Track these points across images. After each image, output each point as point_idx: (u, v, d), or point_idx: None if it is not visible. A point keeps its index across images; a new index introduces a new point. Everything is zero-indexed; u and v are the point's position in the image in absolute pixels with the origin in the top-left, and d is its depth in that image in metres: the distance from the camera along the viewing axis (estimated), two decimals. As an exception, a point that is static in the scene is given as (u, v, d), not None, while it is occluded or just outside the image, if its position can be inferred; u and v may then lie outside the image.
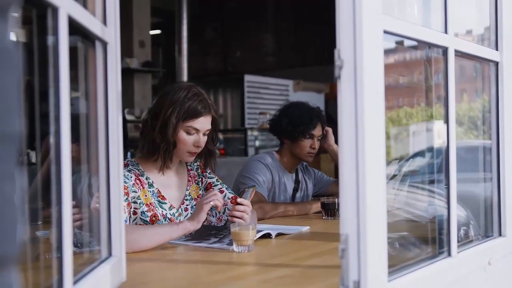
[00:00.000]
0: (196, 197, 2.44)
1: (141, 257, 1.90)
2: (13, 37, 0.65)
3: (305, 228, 2.43)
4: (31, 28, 1.07)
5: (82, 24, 1.18)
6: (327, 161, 6.87)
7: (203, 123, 2.28)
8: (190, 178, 2.46)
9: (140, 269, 1.74)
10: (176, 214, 2.34)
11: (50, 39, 1.04)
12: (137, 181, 2.24)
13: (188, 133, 2.26)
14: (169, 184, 2.36)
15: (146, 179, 2.30)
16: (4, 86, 0.61)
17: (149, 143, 2.27)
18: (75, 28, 1.14)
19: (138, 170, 2.29)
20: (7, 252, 0.62)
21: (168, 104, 2.24)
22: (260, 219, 2.75)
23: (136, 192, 2.21)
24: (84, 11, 1.20)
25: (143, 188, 2.26)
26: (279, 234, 2.26)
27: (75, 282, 1.11)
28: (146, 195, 2.26)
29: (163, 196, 2.31)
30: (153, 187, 2.30)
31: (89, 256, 1.45)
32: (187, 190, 2.42)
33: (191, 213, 2.36)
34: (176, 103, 2.23)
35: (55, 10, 1.02)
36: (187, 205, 2.40)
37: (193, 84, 2.36)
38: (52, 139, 1.04)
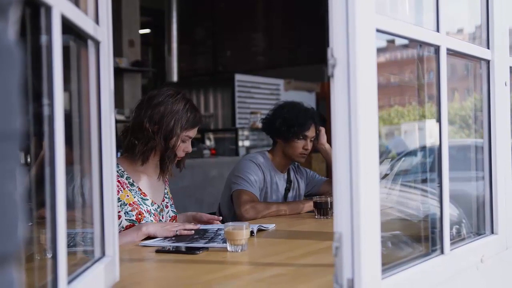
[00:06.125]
0: (170, 197, 2.58)
1: (134, 257, 1.90)
2: (13, 36, 0.65)
3: (271, 226, 2.45)
4: (23, 26, 1.06)
5: (75, 23, 1.18)
6: (318, 160, 6.89)
7: (196, 131, 2.45)
8: (166, 179, 2.57)
9: (133, 269, 1.74)
10: (158, 210, 2.44)
11: (43, 38, 1.03)
12: (117, 183, 2.27)
13: (183, 141, 2.40)
14: (149, 183, 2.45)
15: (126, 179, 2.37)
16: (5, 85, 0.61)
17: (149, 150, 2.35)
18: (67, 27, 1.13)
19: (118, 171, 2.33)
20: (8, 250, 0.62)
21: (169, 114, 2.33)
22: (253, 219, 2.76)
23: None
24: (77, 10, 1.19)
25: (124, 189, 2.33)
26: (259, 230, 2.32)
27: (69, 282, 1.11)
28: (128, 195, 2.33)
29: (144, 193, 2.40)
30: (134, 186, 2.38)
31: (82, 256, 1.45)
32: (165, 189, 2.55)
33: (171, 210, 2.52)
34: (177, 115, 2.34)
35: (48, 9, 1.01)
36: (166, 202, 2.52)
37: (184, 93, 2.47)
38: (45, 140, 1.04)
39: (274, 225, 2.47)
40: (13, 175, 0.63)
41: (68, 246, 1.14)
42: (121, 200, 2.29)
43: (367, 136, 1.22)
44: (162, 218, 2.44)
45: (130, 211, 2.30)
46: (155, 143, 2.34)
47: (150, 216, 2.35)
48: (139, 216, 2.31)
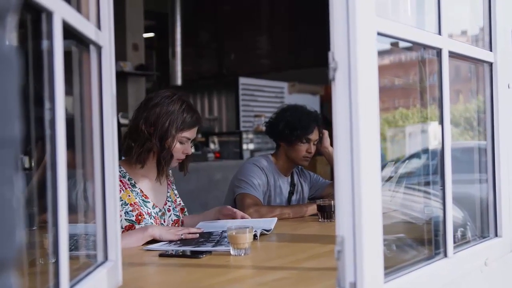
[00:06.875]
0: (173, 200, 2.56)
1: (137, 261, 1.90)
2: (11, 42, 0.65)
3: (274, 221, 2.49)
4: (25, 32, 1.07)
5: (76, 28, 1.18)
6: (322, 163, 6.87)
7: (195, 132, 2.43)
8: (169, 182, 2.57)
9: (136, 274, 1.74)
10: (160, 214, 2.43)
11: (44, 44, 1.04)
12: (119, 182, 2.28)
13: (181, 142, 2.39)
14: (151, 187, 2.45)
15: (129, 180, 2.38)
16: (3, 91, 0.61)
17: (145, 151, 2.35)
18: (69, 32, 1.14)
19: (120, 172, 2.33)
20: (6, 256, 0.62)
21: (164, 115, 2.33)
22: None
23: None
24: (78, 15, 1.20)
25: (126, 189, 2.34)
26: (262, 234, 2.31)
27: (71, 287, 1.11)
28: (129, 195, 2.34)
29: (146, 195, 2.40)
30: (136, 187, 2.38)
31: (84, 260, 1.45)
32: (168, 192, 2.54)
33: (174, 214, 2.51)
34: (173, 115, 2.34)
35: (49, 14, 1.02)
36: (169, 206, 2.51)
37: (181, 94, 2.45)
38: (47, 144, 1.04)
39: (275, 219, 2.52)
40: (11, 181, 0.63)
41: (70, 249, 1.15)
42: (122, 200, 2.29)
43: (368, 139, 1.22)
44: (164, 221, 2.44)
45: (130, 211, 2.30)
46: (151, 145, 2.33)
47: (150, 218, 2.35)
48: (139, 217, 2.31)
